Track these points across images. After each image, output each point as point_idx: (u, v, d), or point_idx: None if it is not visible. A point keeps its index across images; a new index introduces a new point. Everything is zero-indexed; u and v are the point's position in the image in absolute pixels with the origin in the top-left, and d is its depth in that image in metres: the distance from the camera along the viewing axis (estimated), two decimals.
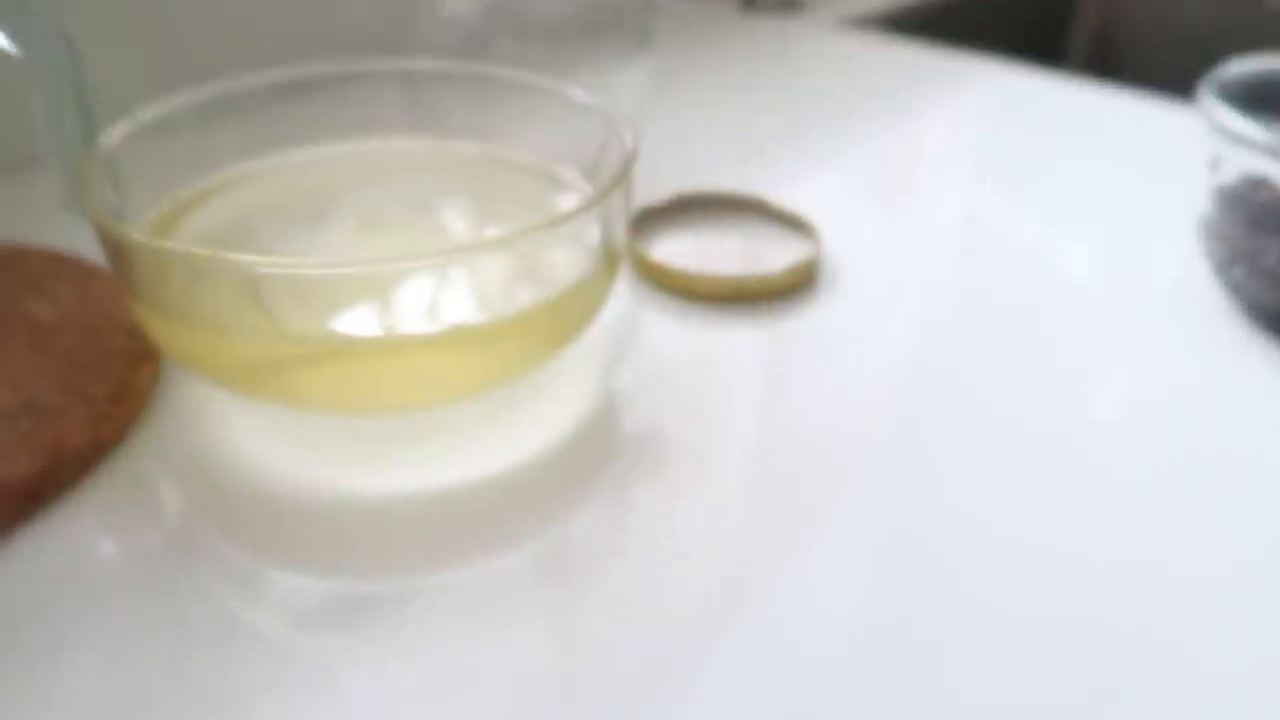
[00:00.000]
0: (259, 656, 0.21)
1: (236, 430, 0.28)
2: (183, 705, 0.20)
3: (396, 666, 0.21)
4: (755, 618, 0.22)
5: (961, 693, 0.21)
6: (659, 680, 0.21)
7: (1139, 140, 0.50)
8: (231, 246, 0.29)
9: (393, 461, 0.27)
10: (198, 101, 0.31)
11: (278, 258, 0.22)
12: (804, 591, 0.23)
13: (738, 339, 0.33)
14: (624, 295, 0.35)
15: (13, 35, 0.28)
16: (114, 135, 0.28)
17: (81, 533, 0.24)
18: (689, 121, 0.51)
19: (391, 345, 0.25)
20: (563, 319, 0.27)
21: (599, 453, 0.27)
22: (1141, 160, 0.48)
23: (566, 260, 0.27)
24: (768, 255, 0.38)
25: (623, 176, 0.27)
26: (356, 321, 0.25)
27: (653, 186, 0.40)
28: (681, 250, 0.38)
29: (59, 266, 0.33)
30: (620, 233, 0.28)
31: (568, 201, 0.33)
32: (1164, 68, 0.85)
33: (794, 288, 0.35)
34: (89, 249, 0.34)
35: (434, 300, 0.26)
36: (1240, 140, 0.32)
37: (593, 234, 0.27)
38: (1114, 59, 0.90)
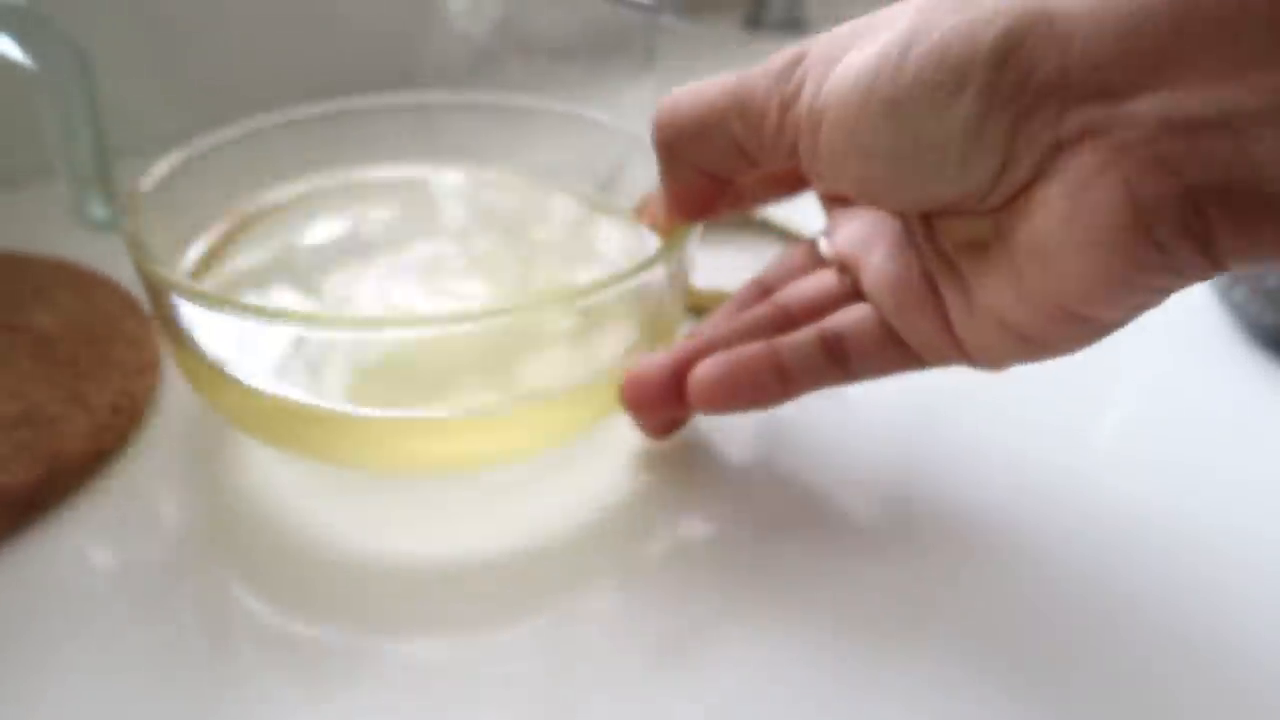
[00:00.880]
0: (252, 673, 0.21)
1: (255, 469, 0.28)
2: (174, 716, 0.20)
3: (388, 697, 0.21)
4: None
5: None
6: None
7: None
8: (275, 288, 0.29)
9: (413, 518, 0.26)
10: (240, 135, 0.31)
11: (333, 314, 0.22)
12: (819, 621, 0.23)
13: None
14: None
15: (26, 47, 0.29)
16: (157, 172, 0.28)
17: (80, 542, 0.24)
18: None
19: (439, 420, 0.24)
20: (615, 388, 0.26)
21: (638, 520, 0.26)
22: None
23: (620, 311, 0.26)
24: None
25: (686, 237, 0.25)
26: (404, 379, 0.24)
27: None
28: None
29: (62, 276, 0.33)
30: (678, 295, 0.27)
31: (609, 235, 0.32)
32: None
33: None
34: (92, 259, 0.35)
35: (485, 358, 0.25)
36: None
37: (652, 292, 0.26)
38: None
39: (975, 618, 0.23)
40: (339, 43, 0.52)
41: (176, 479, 0.27)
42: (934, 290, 0.22)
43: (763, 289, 0.28)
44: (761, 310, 0.26)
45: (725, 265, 0.38)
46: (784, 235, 0.40)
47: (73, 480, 0.26)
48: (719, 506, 0.26)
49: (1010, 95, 0.17)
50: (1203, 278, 0.18)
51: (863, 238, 0.25)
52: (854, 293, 0.25)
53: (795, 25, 0.71)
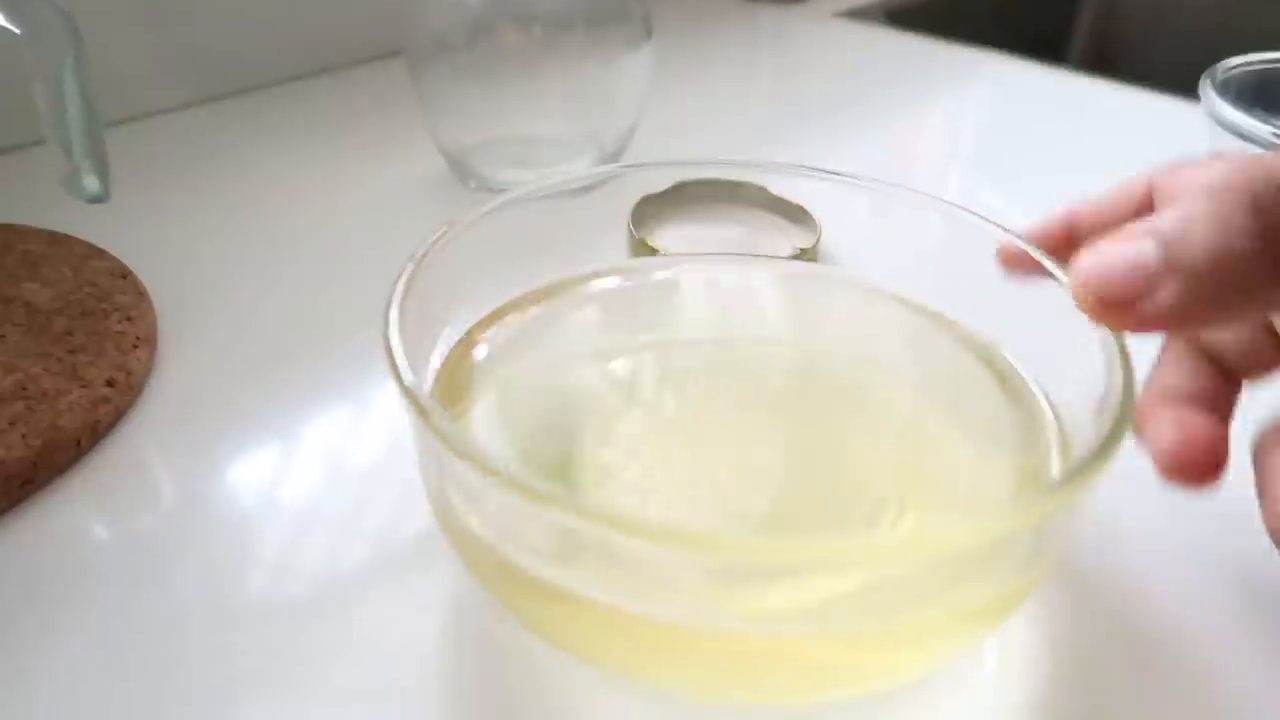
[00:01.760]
0: (250, 643, 0.21)
1: (254, 445, 0.28)
2: (172, 690, 0.20)
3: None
4: None
5: None
6: None
7: (1139, 134, 0.50)
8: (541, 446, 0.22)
9: None
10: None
11: (684, 532, 0.16)
12: None
13: None
14: None
15: (14, 15, 0.28)
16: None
17: (76, 517, 0.24)
18: (691, 110, 0.51)
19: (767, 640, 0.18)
20: (985, 621, 0.19)
21: None
22: (1141, 154, 0.48)
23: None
24: (766, 244, 0.38)
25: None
26: (724, 592, 0.18)
27: (654, 173, 0.40)
28: (682, 237, 0.37)
29: (56, 249, 0.33)
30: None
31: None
32: (1165, 61, 0.85)
33: None
34: (86, 230, 0.34)
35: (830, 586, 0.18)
36: (1240, 135, 0.32)
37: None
38: (1115, 52, 0.89)
39: None
40: (332, 12, 0.52)
41: (172, 453, 0.27)
42: None
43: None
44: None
45: (716, 237, 0.38)
46: (779, 207, 0.39)
47: (69, 455, 0.25)
48: None
49: None
50: None
51: None
52: None
53: None
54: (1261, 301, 0.16)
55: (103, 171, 0.30)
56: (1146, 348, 0.20)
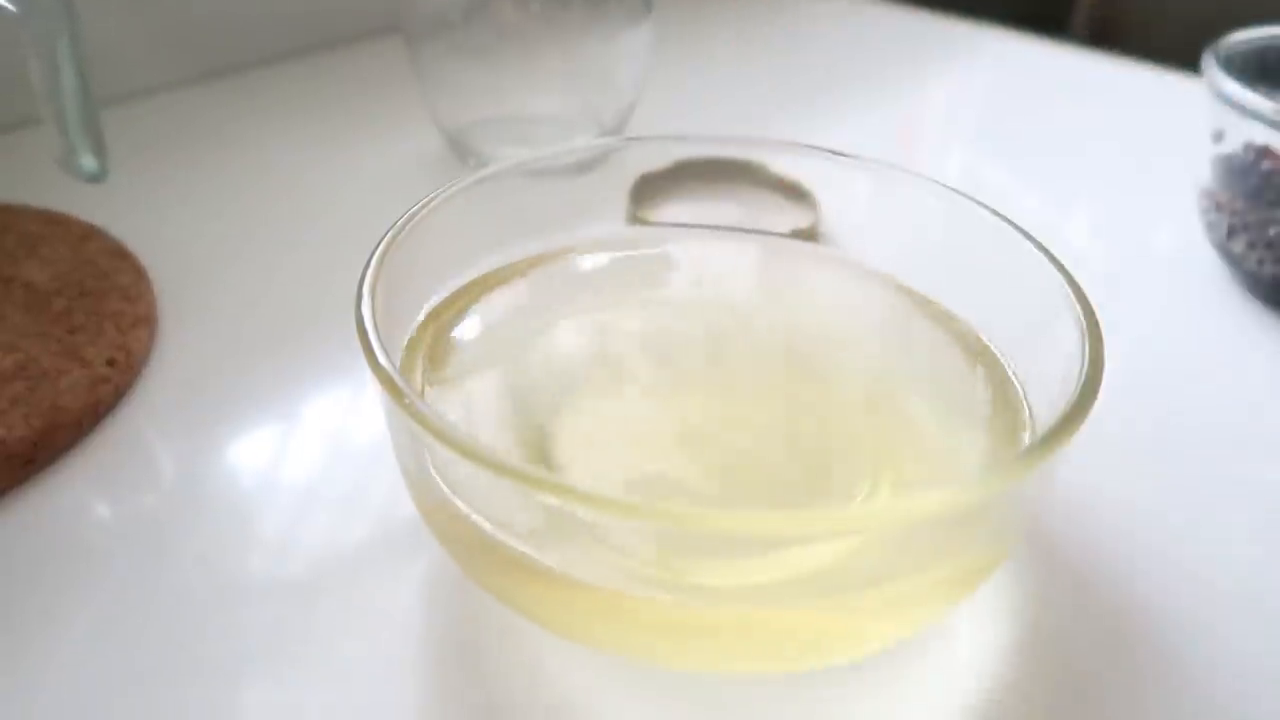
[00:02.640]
0: (251, 621, 0.21)
1: (253, 424, 0.28)
2: (177, 669, 0.20)
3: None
4: None
5: None
6: None
7: (1142, 110, 0.50)
8: (518, 414, 0.23)
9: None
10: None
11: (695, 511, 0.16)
12: None
13: None
14: None
15: None
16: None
17: (77, 496, 0.24)
18: (690, 87, 0.51)
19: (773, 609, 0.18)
20: (952, 593, 0.19)
21: None
22: (1144, 130, 0.48)
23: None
24: (766, 222, 0.37)
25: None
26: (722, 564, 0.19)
27: (653, 151, 0.40)
28: (681, 215, 0.37)
29: (54, 229, 0.33)
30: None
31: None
32: (1168, 37, 0.85)
33: None
34: (83, 209, 0.34)
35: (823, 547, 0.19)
36: (1244, 111, 0.32)
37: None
38: (1118, 28, 0.89)
39: None
40: None
41: (173, 432, 0.27)
42: None
43: None
44: None
45: (715, 216, 0.38)
46: (779, 185, 0.39)
47: (70, 435, 0.25)
48: None
49: None
50: None
51: None
52: None
53: None
54: None
55: (100, 150, 0.30)
56: (1118, 327, 0.20)
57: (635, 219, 0.36)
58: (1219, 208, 0.34)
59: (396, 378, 0.17)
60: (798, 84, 0.52)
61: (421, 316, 0.23)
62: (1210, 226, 0.35)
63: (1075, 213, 0.40)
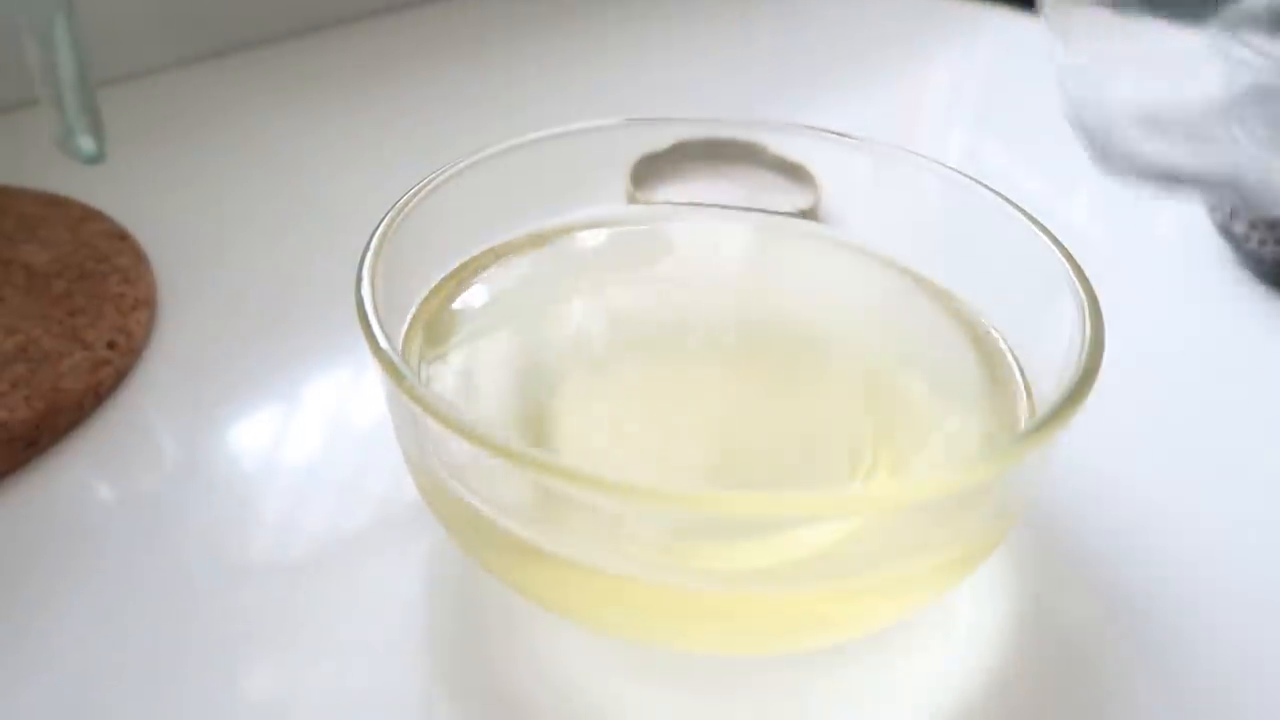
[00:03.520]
0: (253, 602, 0.22)
1: (251, 407, 0.28)
2: (179, 651, 0.20)
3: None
4: None
5: None
6: None
7: None
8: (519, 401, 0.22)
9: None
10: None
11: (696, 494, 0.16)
12: None
13: None
14: None
15: None
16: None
17: (78, 479, 0.24)
18: (690, 66, 0.50)
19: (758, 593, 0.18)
20: (949, 575, 0.19)
21: None
22: None
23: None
24: (766, 202, 0.37)
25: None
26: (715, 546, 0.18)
27: (653, 132, 0.40)
28: (681, 196, 0.37)
29: (53, 211, 0.33)
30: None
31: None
32: (1172, 16, 0.84)
33: None
34: (82, 191, 0.34)
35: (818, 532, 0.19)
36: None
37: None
38: None
39: None
40: None
41: (174, 415, 0.27)
42: None
43: None
44: None
45: (715, 196, 0.38)
46: (779, 166, 0.39)
47: (71, 417, 0.26)
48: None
49: None
50: None
51: None
52: None
53: None
54: None
55: (98, 132, 0.30)
56: (1120, 308, 0.20)
57: (634, 198, 0.36)
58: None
59: (397, 360, 0.17)
60: (798, 62, 0.52)
61: (422, 296, 0.23)
62: (1212, 208, 0.35)
63: (1077, 193, 0.40)
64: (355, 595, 0.22)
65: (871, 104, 0.47)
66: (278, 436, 0.26)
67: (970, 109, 0.49)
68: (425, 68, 0.48)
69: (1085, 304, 0.20)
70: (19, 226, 0.32)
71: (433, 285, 0.24)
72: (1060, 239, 0.22)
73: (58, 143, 0.29)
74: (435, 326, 0.23)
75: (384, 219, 0.21)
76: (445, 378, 0.22)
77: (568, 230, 0.27)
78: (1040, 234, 0.22)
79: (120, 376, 0.27)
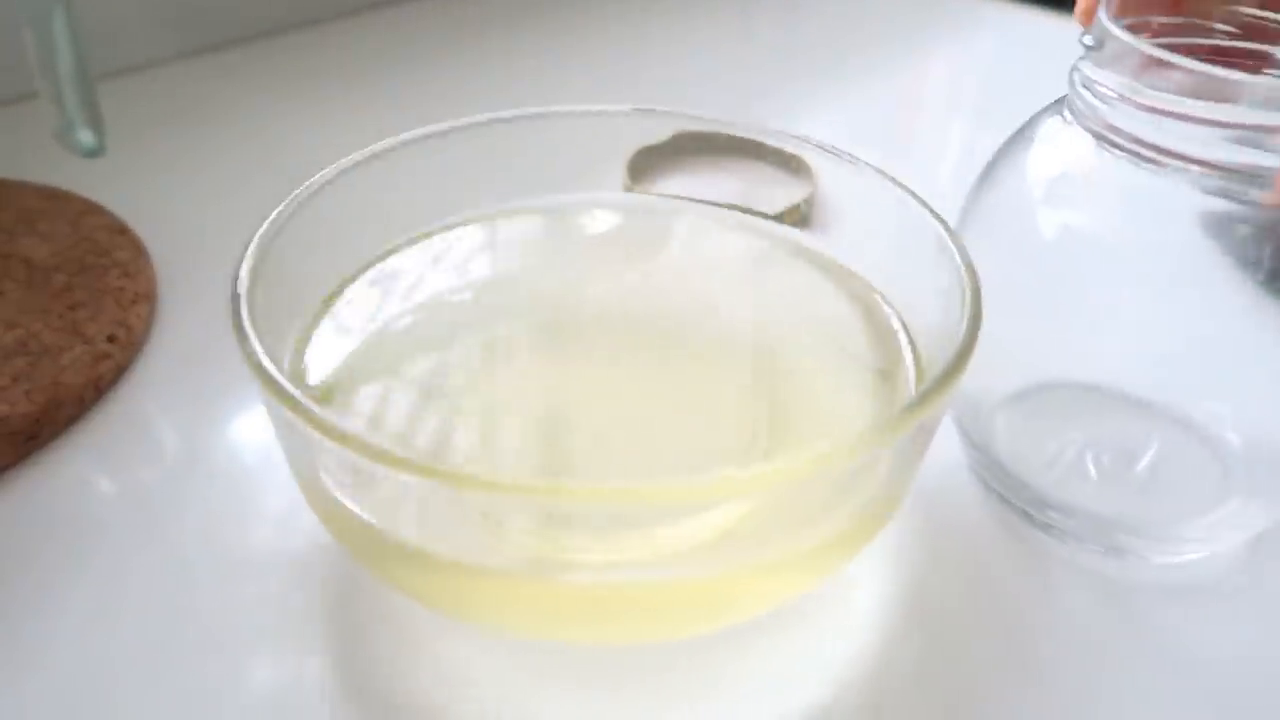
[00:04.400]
0: (254, 595, 0.22)
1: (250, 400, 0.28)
2: (179, 643, 0.21)
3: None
4: None
5: None
6: None
7: None
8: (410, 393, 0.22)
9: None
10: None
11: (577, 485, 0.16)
12: None
13: None
14: None
15: None
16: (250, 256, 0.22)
17: (79, 472, 0.25)
18: (688, 60, 0.50)
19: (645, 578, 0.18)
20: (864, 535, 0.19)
21: None
22: None
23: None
24: (763, 196, 0.37)
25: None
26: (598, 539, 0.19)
27: (651, 125, 0.40)
28: (679, 189, 0.37)
29: (53, 204, 0.33)
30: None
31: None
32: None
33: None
34: (82, 185, 0.34)
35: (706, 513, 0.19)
36: None
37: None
38: None
39: None
40: None
41: (174, 408, 0.27)
42: None
43: None
44: None
45: (713, 190, 0.38)
46: (777, 159, 0.39)
47: (72, 411, 0.26)
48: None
49: None
50: None
51: None
52: None
53: None
54: None
55: (97, 125, 0.30)
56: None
57: (630, 190, 0.36)
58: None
59: (268, 365, 0.18)
60: (797, 56, 0.51)
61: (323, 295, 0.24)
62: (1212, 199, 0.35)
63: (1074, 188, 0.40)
64: (354, 588, 0.22)
65: (871, 98, 0.47)
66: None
67: (969, 101, 0.49)
68: (425, 61, 0.48)
69: (965, 279, 0.20)
70: (19, 220, 0.32)
71: (338, 281, 0.24)
72: (939, 213, 0.22)
73: (57, 136, 0.29)
74: (337, 316, 0.23)
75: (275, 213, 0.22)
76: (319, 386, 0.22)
77: (502, 217, 0.27)
78: (923, 210, 0.22)
79: (120, 370, 0.27)
